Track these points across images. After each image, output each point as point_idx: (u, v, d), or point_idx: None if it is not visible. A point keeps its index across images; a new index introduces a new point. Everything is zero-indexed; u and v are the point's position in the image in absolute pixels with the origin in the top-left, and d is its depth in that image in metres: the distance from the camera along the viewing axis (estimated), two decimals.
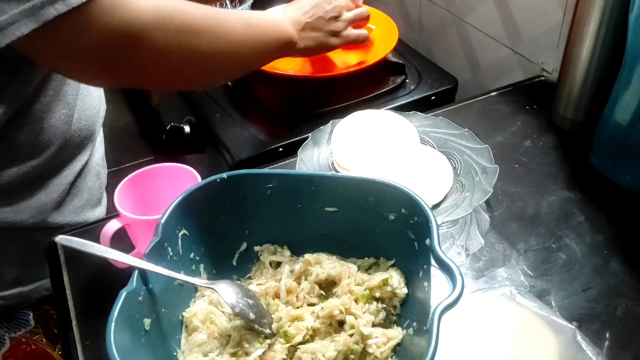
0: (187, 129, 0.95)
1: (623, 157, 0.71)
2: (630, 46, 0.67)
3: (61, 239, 0.49)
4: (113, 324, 0.43)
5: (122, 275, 0.49)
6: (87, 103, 0.76)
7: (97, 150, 0.83)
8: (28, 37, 0.50)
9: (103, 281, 0.63)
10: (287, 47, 0.76)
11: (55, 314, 0.82)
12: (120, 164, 1.18)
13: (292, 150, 0.78)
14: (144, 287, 0.48)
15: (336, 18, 0.84)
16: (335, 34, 0.84)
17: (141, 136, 1.30)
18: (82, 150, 0.78)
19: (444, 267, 0.46)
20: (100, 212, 0.84)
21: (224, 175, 0.55)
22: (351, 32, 0.87)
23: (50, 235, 0.58)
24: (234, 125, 0.92)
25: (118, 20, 0.53)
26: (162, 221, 0.51)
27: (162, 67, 0.60)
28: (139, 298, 0.47)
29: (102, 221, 0.69)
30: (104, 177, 0.85)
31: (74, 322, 0.59)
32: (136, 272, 0.47)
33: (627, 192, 0.71)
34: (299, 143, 0.74)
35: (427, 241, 0.49)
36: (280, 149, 0.86)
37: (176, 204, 0.52)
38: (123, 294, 0.45)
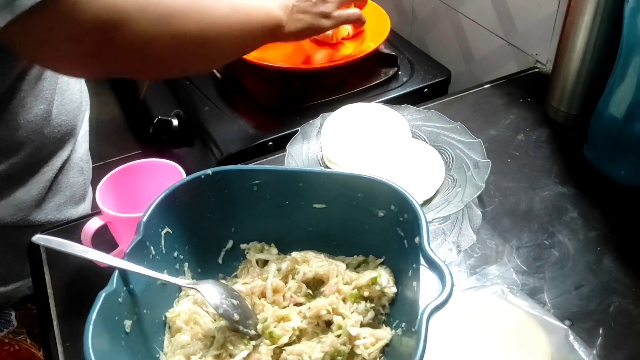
0: (175, 122, 0.93)
1: (617, 151, 0.70)
2: (625, 38, 0.66)
3: (38, 238, 0.47)
4: (91, 327, 0.41)
5: (105, 273, 0.47)
6: (66, 98, 0.74)
7: (81, 145, 0.81)
8: (4, 30, 0.48)
9: (86, 280, 0.61)
10: (275, 31, 0.74)
11: None
12: (106, 158, 1.16)
13: (282, 144, 0.77)
14: (125, 288, 0.46)
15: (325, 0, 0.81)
16: (326, 15, 0.81)
17: (128, 129, 1.28)
18: (62, 145, 0.76)
19: (434, 266, 0.45)
20: (84, 208, 0.82)
21: (209, 171, 0.54)
22: (342, 12, 0.84)
23: (31, 233, 0.56)
24: (223, 118, 0.90)
25: (98, 7, 0.51)
26: (144, 219, 0.49)
27: (146, 54, 0.58)
28: (119, 299, 0.45)
29: (86, 218, 0.67)
30: (88, 172, 0.83)
31: (55, 323, 0.58)
32: (116, 272, 0.46)
33: (621, 187, 0.70)
34: (289, 137, 0.73)
35: (417, 239, 0.48)
36: (270, 143, 0.85)
37: (158, 201, 0.51)
38: (102, 296, 0.43)
